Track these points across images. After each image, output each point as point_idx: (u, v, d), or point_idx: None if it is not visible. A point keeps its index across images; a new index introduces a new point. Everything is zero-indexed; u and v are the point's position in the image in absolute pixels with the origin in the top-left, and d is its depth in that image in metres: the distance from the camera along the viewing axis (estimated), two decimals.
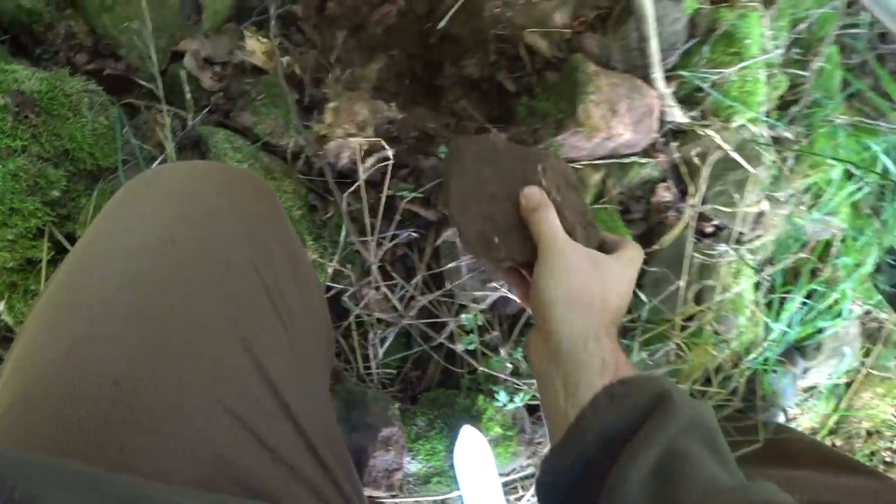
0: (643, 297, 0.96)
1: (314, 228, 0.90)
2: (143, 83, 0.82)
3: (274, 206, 0.55)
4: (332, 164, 0.90)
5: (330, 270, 0.88)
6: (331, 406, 0.57)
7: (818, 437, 1.32)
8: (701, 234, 1.04)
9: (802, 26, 1.12)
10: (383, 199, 0.89)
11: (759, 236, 1.05)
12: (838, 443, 1.40)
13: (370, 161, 0.90)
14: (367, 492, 0.86)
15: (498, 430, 0.91)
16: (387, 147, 0.88)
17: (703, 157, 0.97)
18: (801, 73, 1.08)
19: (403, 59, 1.09)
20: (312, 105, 0.92)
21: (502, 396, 0.89)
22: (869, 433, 1.40)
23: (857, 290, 1.20)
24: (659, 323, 0.99)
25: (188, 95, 0.83)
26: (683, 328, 1.00)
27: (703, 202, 0.99)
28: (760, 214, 1.04)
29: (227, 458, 0.39)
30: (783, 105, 1.14)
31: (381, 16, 1.06)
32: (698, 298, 1.02)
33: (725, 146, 0.95)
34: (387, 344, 0.92)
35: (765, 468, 0.91)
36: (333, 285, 0.89)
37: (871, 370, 1.36)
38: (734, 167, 0.98)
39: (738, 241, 1.04)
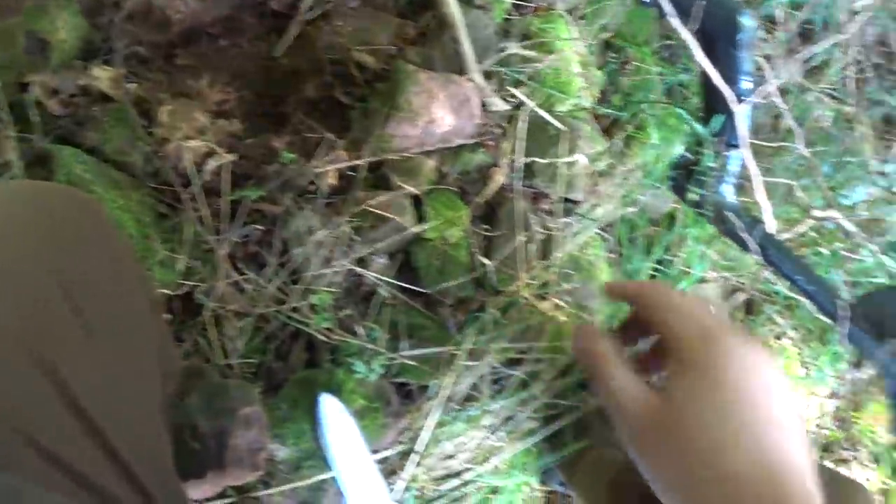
0: (486, 262, 1.03)
1: (164, 234, 0.96)
2: None
3: (92, 218, 0.53)
4: (175, 167, 0.97)
5: (181, 267, 0.93)
6: (159, 428, 0.53)
7: None
8: (541, 211, 1.13)
9: (607, 34, 1.28)
10: (225, 198, 0.96)
11: (595, 205, 1.15)
12: None
13: (211, 164, 0.98)
14: (233, 474, 0.87)
15: (361, 401, 0.94)
16: (220, 151, 0.97)
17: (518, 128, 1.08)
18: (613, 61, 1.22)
19: (252, 97, 1.20)
20: (152, 132, 1.01)
21: (360, 367, 0.93)
22: None
23: (705, 256, 1.29)
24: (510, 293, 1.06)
25: (36, 118, 0.91)
26: (540, 297, 1.07)
27: (532, 174, 1.09)
28: (594, 183, 1.14)
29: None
30: (604, 98, 1.28)
31: (227, 59, 1.17)
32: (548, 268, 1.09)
33: (539, 110, 1.06)
34: (245, 336, 0.95)
35: None
36: (185, 282, 0.94)
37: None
38: (556, 141, 1.09)
39: (577, 213, 1.14)
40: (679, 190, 0.97)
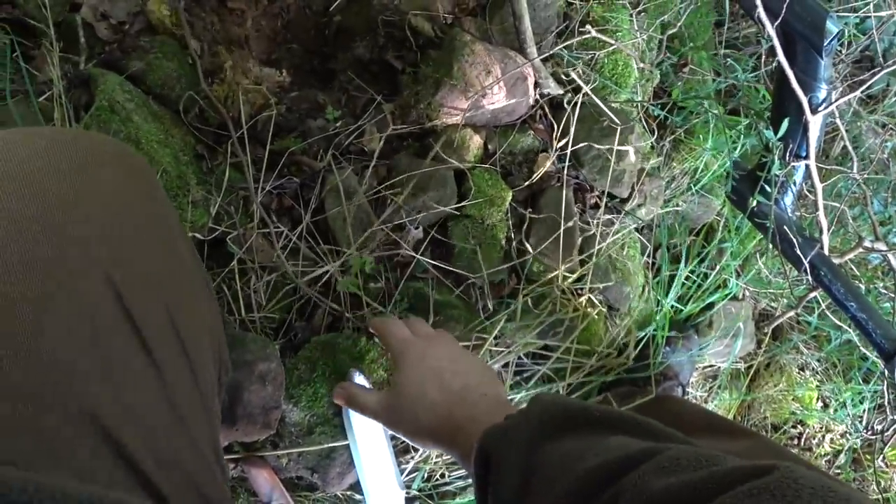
0: (528, 247, 1.00)
1: (201, 175, 0.93)
2: (38, 24, 0.87)
3: (146, 190, 0.49)
4: (225, 111, 0.94)
5: (213, 211, 0.90)
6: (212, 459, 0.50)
7: None
8: (586, 205, 1.10)
9: (668, 32, 1.24)
10: (267, 149, 0.93)
11: (640, 205, 1.11)
12: None
13: (265, 113, 0.95)
14: (244, 430, 0.84)
15: (382, 372, 0.90)
16: (271, 102, 0.93)
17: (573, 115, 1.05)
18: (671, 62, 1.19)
19: (301, 52, 1.17)
20: (206, 73, 0.98)
21: None
22: (775, 427, 1.41)
23: (743, 274, 1.26)
24: (543, 283, 1.02)
25: (82, 40, 0.88)
26: (573, 292, 1.03)
27: (579, 164, 1.05)
28: (640, 181, 1.10)
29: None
30: (656, 97, 1.25)
31: (279, 9, 1.14)
32: (583, 263, 1.06)
33: (595, 98, 1.02)
34: (270, 291, 0.92)
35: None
36: (216, 227, 0.91)
37: (769, 360, 1.40)
38: (608, 133, 1.05)
39: (619, 212, 1.10)
40: (739, 197, 0.93)
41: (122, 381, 0.40)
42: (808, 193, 0.90)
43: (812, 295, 0.99)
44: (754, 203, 0.86)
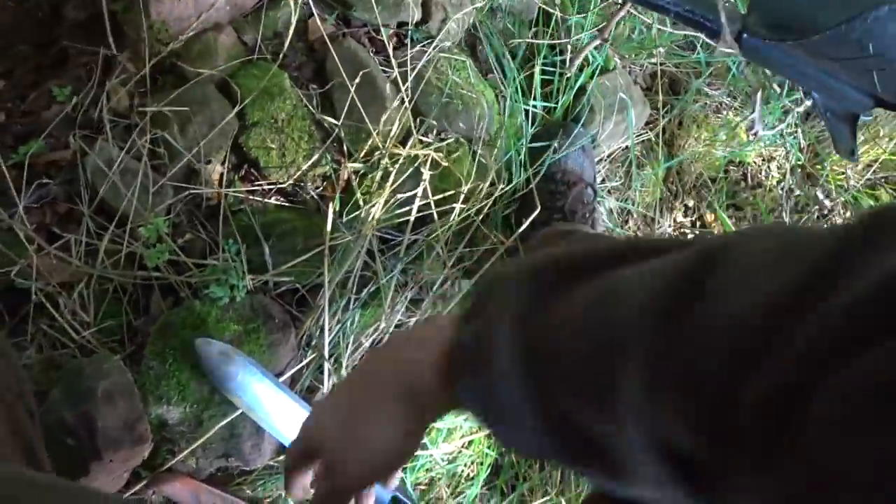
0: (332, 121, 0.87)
1: None
2: None
3: None
4: None
5: None
6: None
7: (655, 205, 1.22)
8: (388, 48, 0.96)
9: None
10: (3, 166, 0.80)
11: (444, 20, 0.98)
12: (690, 203, 1.30)
13: None
14: (119, 456, 0.74)
15: (235, 327, 0.80)
16: None
17: None
18: None
19: (31, 50, 1.02)
20: None
21: (218, 291, 0.78)
22: (713, 179, 1.30)
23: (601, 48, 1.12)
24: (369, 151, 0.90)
25: None
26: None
27: (349, 6, 0.91)
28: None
29: None
30: None
31: None
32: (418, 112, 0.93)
33: None
34: (93, 303, 0.81)
35: None
36: None
37: (679, 118, 1.28)
38: None
39: (428, 37, 0.97)
40: None
41: None
42: None
43: (621, 14, 0.86)
44: None
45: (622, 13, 0.85)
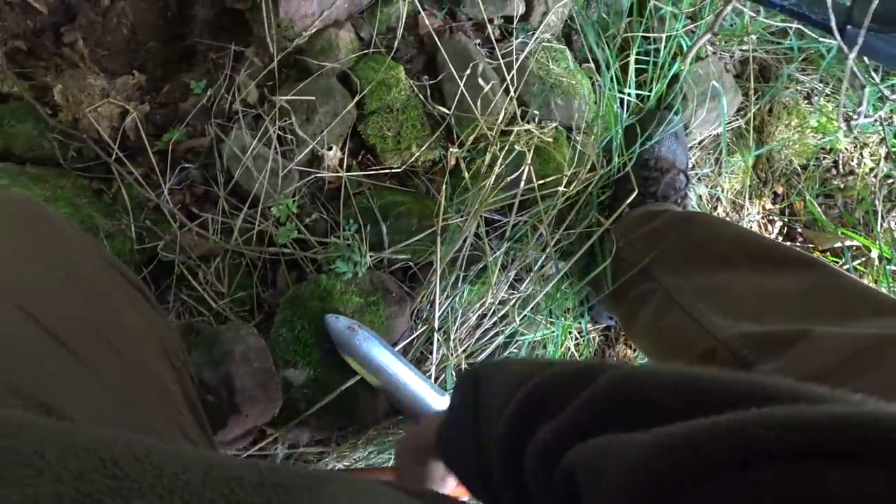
0: (443, 110, 0.93)
1: (106, 208, 0.90)
2: None
3: (48, 232, 0.52)
4: (98, 140, 0.91)
5: (133, 235, 0.88)
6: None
7: (744, 192, 1.23)
8: (493, 41, 1.01)
9: None
10: (149, 150, 0.89)
11: (545, 13, 1.02)
12: (779, 190, 1.30)
13: (127, 122, 0.91)
14: (254, 412, 0.82)
15: (357, 300, 0.87)
16: (129, 107, 0.89)
17: None
18: None
19: (160, 47, 1.11)
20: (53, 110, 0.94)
21: (343, 266, 0.85)
22: (804, 167, 1.30)
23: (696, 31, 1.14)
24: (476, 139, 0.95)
25: None
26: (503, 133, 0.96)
27: (458, 3, 0.96)
28: None
29: None
30: None
31: (116, 19, 1.08)
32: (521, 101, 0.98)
33: None
34: (226, 276, 0.90)
35: (689, 271, 0.82)
36: (144, 246, 0.88)
37: (769, 105, 1.28)
38: None
39: (529, 31, 1.01)
40: None
41: (57, 380, 0.43)
42: None
43: (729, 8, 0.87)
44: None
45: (729, 7, 0.86)
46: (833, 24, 0.74)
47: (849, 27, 0.74)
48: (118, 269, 0.58)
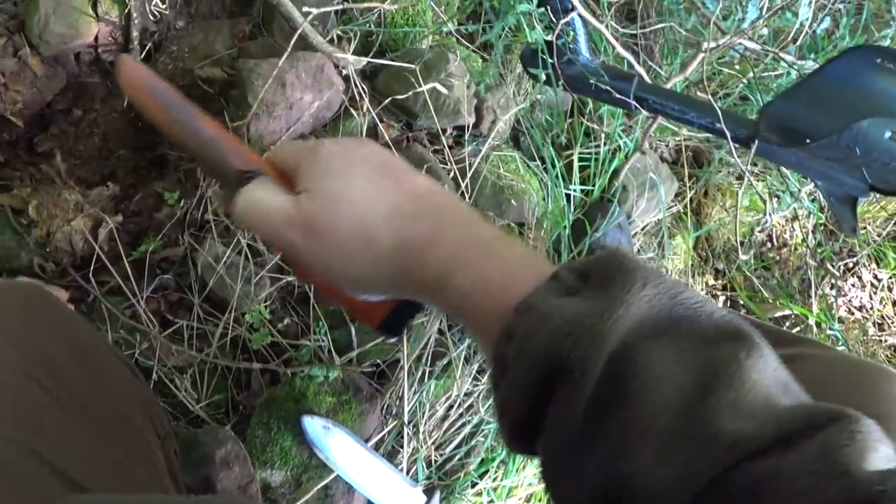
0: None
1: (84, 317, 0.94)
2: None
3: (46, 308, 0.59)
4: (71, 253, 0.95)
5: (111, 343, 0.91)
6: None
7: (687, 271, 1.33)
8: (435, 147, 1.09)
9: None
10: (126, 261, 0.94)
11: (493, 121, 1.11)
12: (719, 266, 1.41)
13: (103, 234, 0.96)
14: None
15: (330, 399, 0.91)
16: (105, 217, 0.94)
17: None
18: None
19: (131, 154, 1.17)
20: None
21: (317, 372, 0.90)
22: (742, 243, 1.41)
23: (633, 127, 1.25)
24: None
25: None
26: None
27: (414, 115, 1.05)
28: (480, 101, 1.10)
29: None
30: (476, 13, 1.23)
31: (88, 128, 1.14)
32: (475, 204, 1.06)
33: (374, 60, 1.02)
34: (202, 382, 0.93)
35: None
36: (123, 353, 0.92)
37: (705, 188, 1.40)
38: (426, 75, 1.05)
39: (481, 136, 1.10)
40: (534, 66, 0.92)
41: (53, 430, 0.51)
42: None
43: (654, 125, 0.98)
44: (551, 72, 0.85)
45: (654, 125, 0.97)
46: (745, 137, 0.84)
47: (757, 141, 0.84)
48: (112, 350, 0.65)
